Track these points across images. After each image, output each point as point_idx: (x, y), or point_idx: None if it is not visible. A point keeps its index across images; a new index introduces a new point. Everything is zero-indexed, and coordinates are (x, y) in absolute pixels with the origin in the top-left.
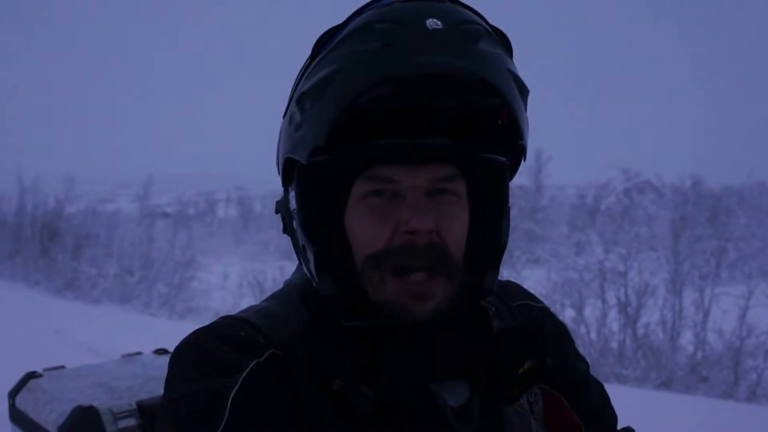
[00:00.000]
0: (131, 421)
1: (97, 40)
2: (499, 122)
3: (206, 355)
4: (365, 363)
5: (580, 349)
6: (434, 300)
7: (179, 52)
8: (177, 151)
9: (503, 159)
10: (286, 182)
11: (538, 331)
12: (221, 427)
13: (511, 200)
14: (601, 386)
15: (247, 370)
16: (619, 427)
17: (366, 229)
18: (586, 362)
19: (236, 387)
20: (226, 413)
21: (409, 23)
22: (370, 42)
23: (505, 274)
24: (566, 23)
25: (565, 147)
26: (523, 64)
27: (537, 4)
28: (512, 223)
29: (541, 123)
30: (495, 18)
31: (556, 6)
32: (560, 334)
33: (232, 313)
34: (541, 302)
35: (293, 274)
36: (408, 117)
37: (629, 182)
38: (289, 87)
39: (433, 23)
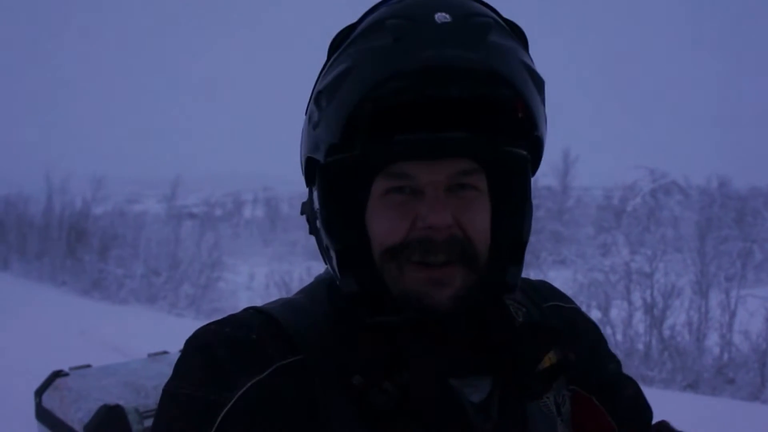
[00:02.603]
0: None
1: (125, 41)
2: (516, 114)
3: (210, 361)
4: (387, 359)
5: None
6: (452, 287)
7: (207, 51)
8: (205, 152)
9: (524, 153)
10: (309, 182)
11: (564, 328)
12: None
13: (536, 199)
14: (634, 383)
15: (244, 389)
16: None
17: (385, 225)
18: (617, 361)
19: (228, 406)
20: (214, 430)
21: (418, 18)
22: (380, 38)
23: (532, 275)
24: (592, 23)
25: (593, 147)
26: (549, 65)
27: (563, 2)
28: (539, 225)
29: (569, 124)
30: (516, 16)
31: (583, 5)
32: (591, 334)
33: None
34: (572, 303)
35: (326, 269)
36: (425, 112)
37: (655, 183)
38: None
39: (441, 17)
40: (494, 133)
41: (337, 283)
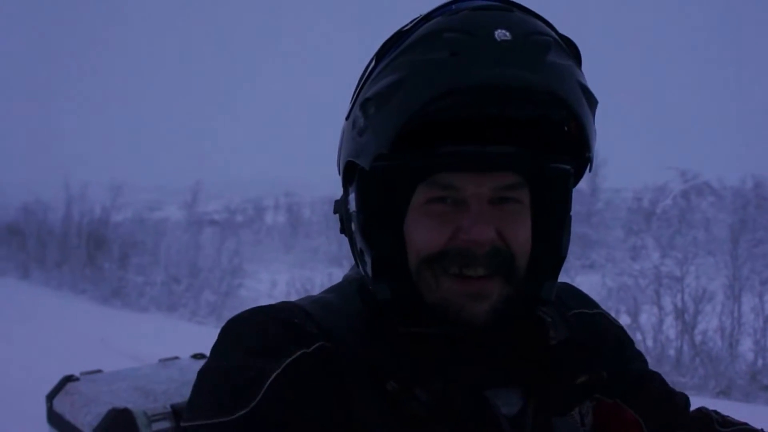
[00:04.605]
0: (165, 424)
1: (145, 47)
2: (566, 132)
3: (256, 333)
4: (420, 366)
5: None
6: (490, 300)
7: (226, 57)
8: (225, 158)
9: (568, 168)
10: (346, 183)
11: (594, 343)
12: (253, 404)
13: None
14: (658, 375)
15: (293, 357)
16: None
17: (424, 234)
18: (643, 360)
19: (278, 370)
20: (261, 392)
21: (477, 33)
22: (437, 51)
23: (558, 280)
24: (620, 19)
25: (623, 148)
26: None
27: (591, 2)
28: None
29: (598, 123)
30: (544, 8)
31: (611, 4)
32: (616, 339)
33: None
34: (597, 307)
35: (352, 268)
36: (475, 125)
37: (687, 184)
38: (338, 91)
39: (501, 34)
40: (543, 150)
41: (370, 287)
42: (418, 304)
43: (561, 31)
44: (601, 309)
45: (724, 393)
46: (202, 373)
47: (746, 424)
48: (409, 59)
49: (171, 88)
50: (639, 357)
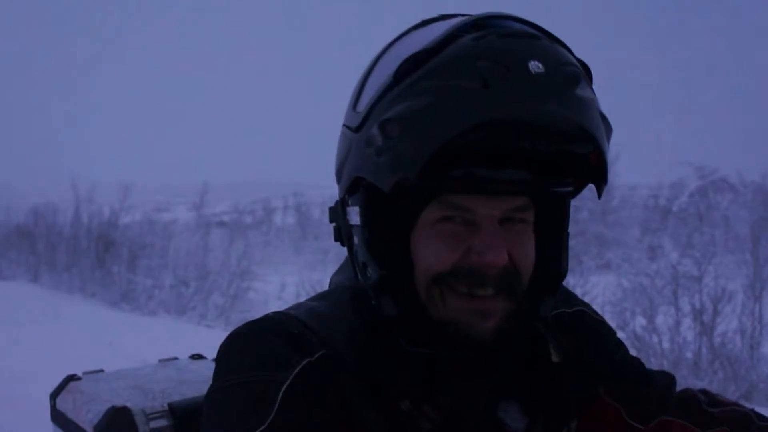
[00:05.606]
0: (162, 422)
1: (151, 47)
2: (583, 161)
3: (259, 347)
4: (427, 384)
5: (651, 360)
6: (495, 318)
7: (234, 59)
8: (234, 159)
9: (570, 189)
10: (347, 194)
11: (573, 342)
12: (269, 420)
13: (577, 201)
14: (638, 361)
15: (299, 367)
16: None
17: (434, 252)
18: (623, 348)
19: (287, 382)
20: (276, 407)
21: (510, 65)
22: (468, 80)
23: (572, 281)
24: (632, 12)
25: (637, 144)
26: (589, 57)
27: None
28: (580, 227)
29: (609, 118)
30: (572, 10)
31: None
32: (597, 335)
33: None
34: (577, 303)
35: (337, 273)
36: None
37: (705, 180)
38: (348, 91)
39: (535, 66)
40: (553, 174)
41: (373, 302)
42: (425, 321)
43: (571, 28)
44: (581, 304)
45: (745, 398)
46: (210, 396)
47: (736, 402)
48: (437, 84)
49: (178, 87)
50: (620, 346)
